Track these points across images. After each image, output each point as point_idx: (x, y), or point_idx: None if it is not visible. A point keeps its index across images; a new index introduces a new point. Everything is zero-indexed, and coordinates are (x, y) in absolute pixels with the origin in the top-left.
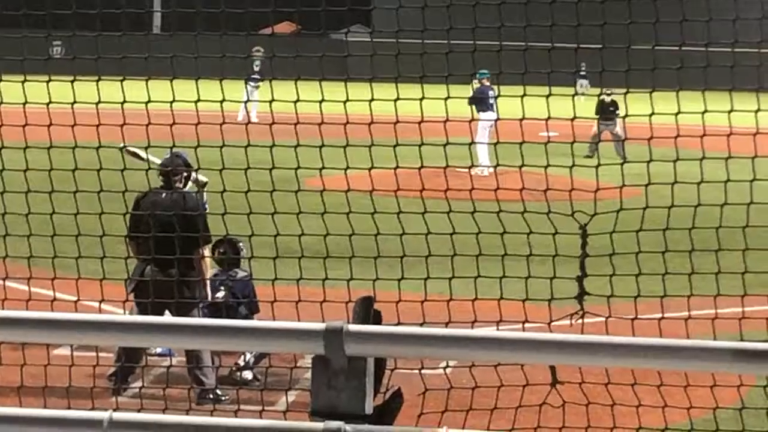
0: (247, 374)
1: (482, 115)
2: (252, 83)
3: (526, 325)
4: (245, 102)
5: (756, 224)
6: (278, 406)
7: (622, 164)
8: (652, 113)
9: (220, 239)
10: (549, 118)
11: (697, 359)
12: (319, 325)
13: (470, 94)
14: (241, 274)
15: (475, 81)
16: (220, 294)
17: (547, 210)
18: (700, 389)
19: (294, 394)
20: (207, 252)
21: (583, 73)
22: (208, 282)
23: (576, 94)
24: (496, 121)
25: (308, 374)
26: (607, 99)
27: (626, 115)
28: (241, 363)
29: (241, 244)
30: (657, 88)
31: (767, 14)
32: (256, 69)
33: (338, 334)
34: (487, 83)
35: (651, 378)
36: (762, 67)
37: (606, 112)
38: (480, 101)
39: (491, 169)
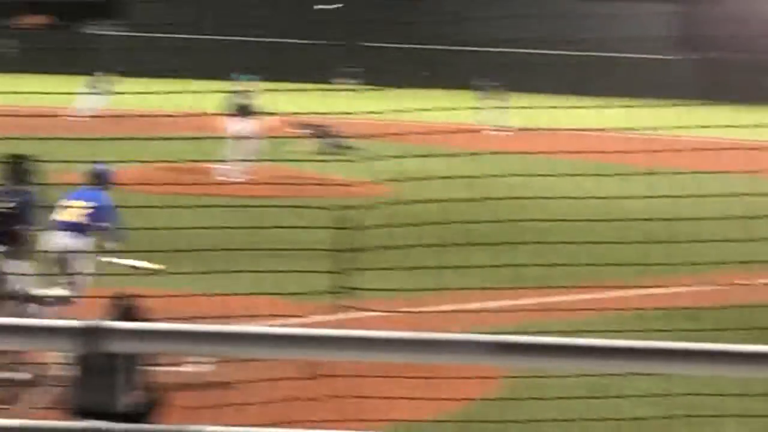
0: None
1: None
2: None
3: (283, 320)
4: None
5: (490, 220)
6: (33, 405)
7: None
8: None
9: None
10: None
11: (454, 353)
12: (77, 323)
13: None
14: None
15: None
16: None
17: (299, 206)
18: (464, 381)
19: (50, 392)
20: None
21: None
22: None
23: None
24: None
25: (64, 372)
26: None
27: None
28: None
29: None
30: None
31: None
32: None
33: (95, 331)
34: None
35: (403, 371)
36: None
37: None
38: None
39: (244, 165)
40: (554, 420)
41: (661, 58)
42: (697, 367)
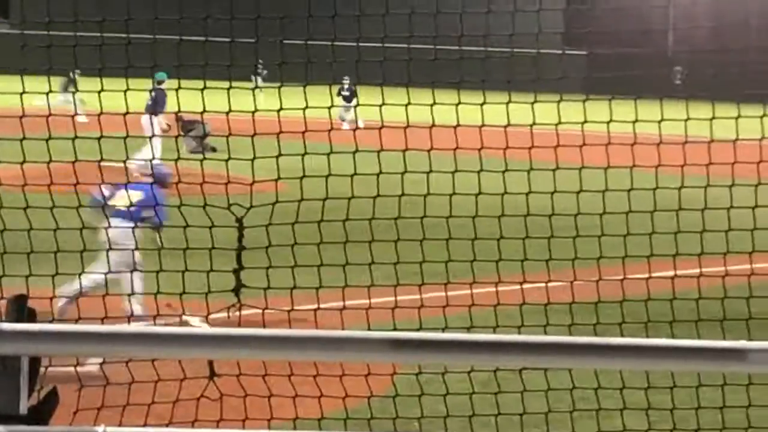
0: None
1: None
2: None
3: (184, 317)
4: None
5: (407, 216)
6: None
7: (277, 158)
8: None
9: None
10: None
11: (355, 350)
12: None
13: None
14: None
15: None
16: None
17: (203, 203)
18: (354, 378)
19: None
20: None
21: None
22: None
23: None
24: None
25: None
26: None
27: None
28: None
29: None
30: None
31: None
32: None
33: None
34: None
35: (307, 369)
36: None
37: None
38: (157, 103)
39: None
40: (453, 416)
41: (548, 53)
42: (598, 361)
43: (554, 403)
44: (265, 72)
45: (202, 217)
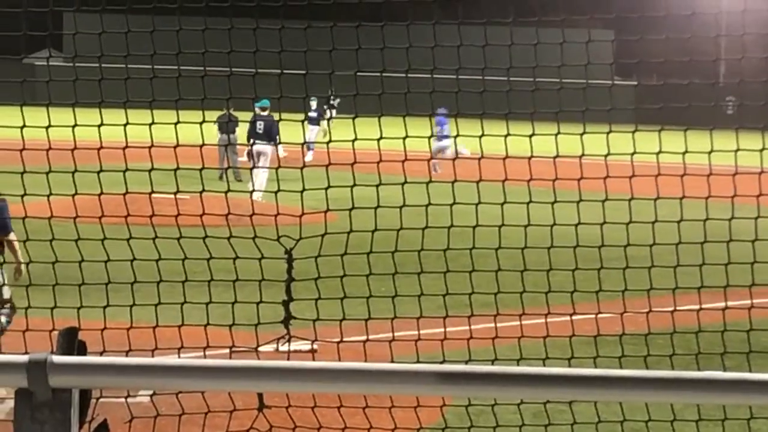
0: None
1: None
2: None
3: (234, 350)
4: None
5: (456, 247)
6: None
7: (326, 189)
8: (355, 138)
9: None
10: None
11: (402, 382)
12: (22, 358)
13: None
14: None
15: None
16: None
17: (252, 235)
18: (404, 410)
19: None
20: None
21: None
22: None
23: None
24: None
25: (11, 406)
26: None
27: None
28: None
29: None
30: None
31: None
32: None
33: (42, 366)
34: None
35: (356, 400)
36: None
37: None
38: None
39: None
40: None
41: (601, 84)
42: (648, 394)
43: None
44: (338, 101)
45: (251, 249)
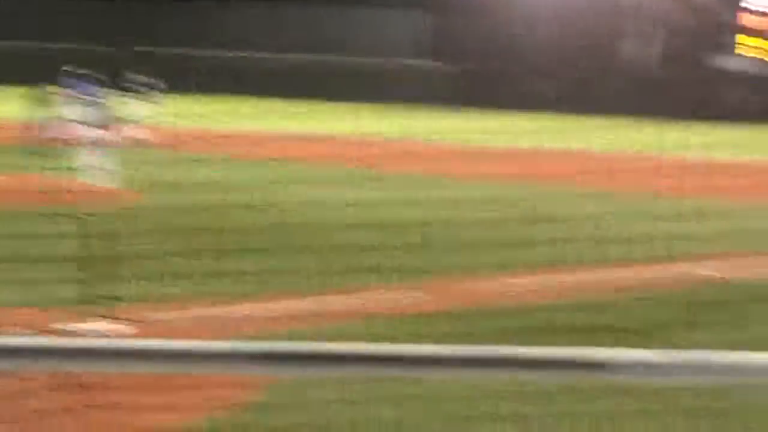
0: None
1: None
2: None
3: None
4: None
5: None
6: None
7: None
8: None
9: None
10: None
11: (213, 363)
12: None
13: None
14: None
15: None
16: None
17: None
18: (215, 388)
19: None
20: None
21: None
22: None
23: None
24: None
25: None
26: None
27: None
28: None
29: None
30: None
31: None
32: None
33: None
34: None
35: (162, 379)
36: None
37: None
38: None
39: None
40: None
41: (407, 63)
42: (468, 371)
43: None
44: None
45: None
